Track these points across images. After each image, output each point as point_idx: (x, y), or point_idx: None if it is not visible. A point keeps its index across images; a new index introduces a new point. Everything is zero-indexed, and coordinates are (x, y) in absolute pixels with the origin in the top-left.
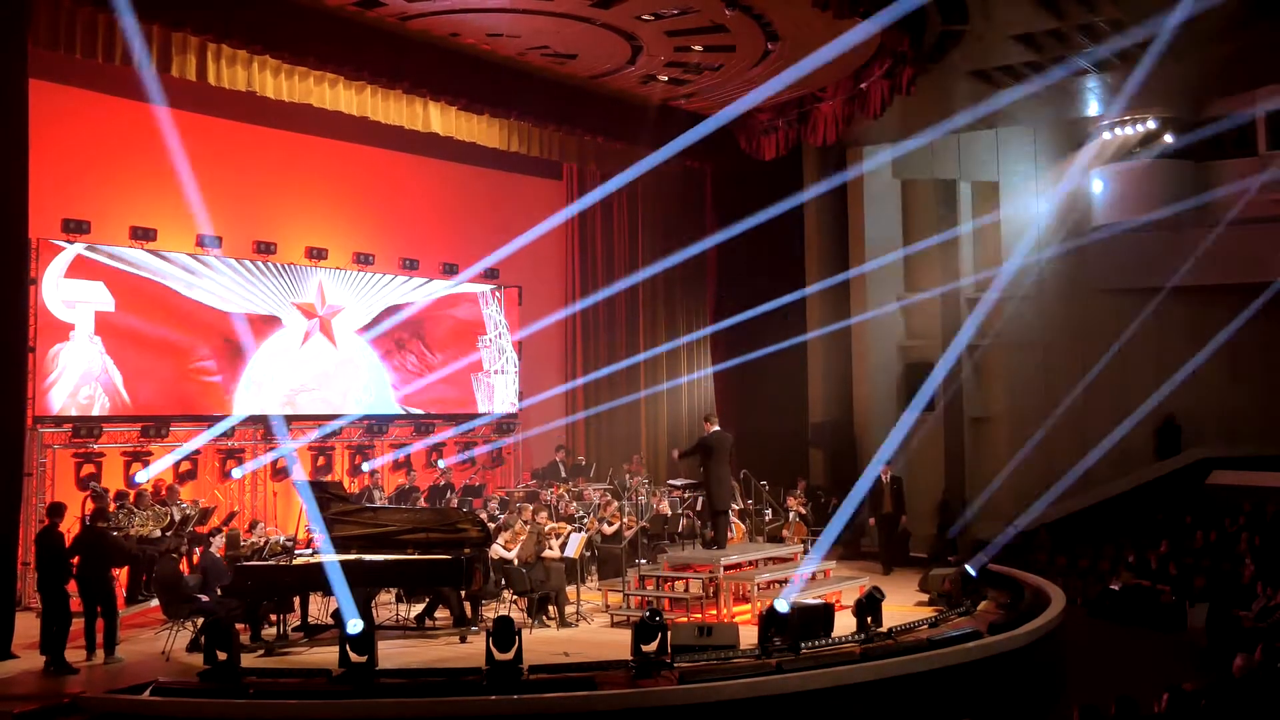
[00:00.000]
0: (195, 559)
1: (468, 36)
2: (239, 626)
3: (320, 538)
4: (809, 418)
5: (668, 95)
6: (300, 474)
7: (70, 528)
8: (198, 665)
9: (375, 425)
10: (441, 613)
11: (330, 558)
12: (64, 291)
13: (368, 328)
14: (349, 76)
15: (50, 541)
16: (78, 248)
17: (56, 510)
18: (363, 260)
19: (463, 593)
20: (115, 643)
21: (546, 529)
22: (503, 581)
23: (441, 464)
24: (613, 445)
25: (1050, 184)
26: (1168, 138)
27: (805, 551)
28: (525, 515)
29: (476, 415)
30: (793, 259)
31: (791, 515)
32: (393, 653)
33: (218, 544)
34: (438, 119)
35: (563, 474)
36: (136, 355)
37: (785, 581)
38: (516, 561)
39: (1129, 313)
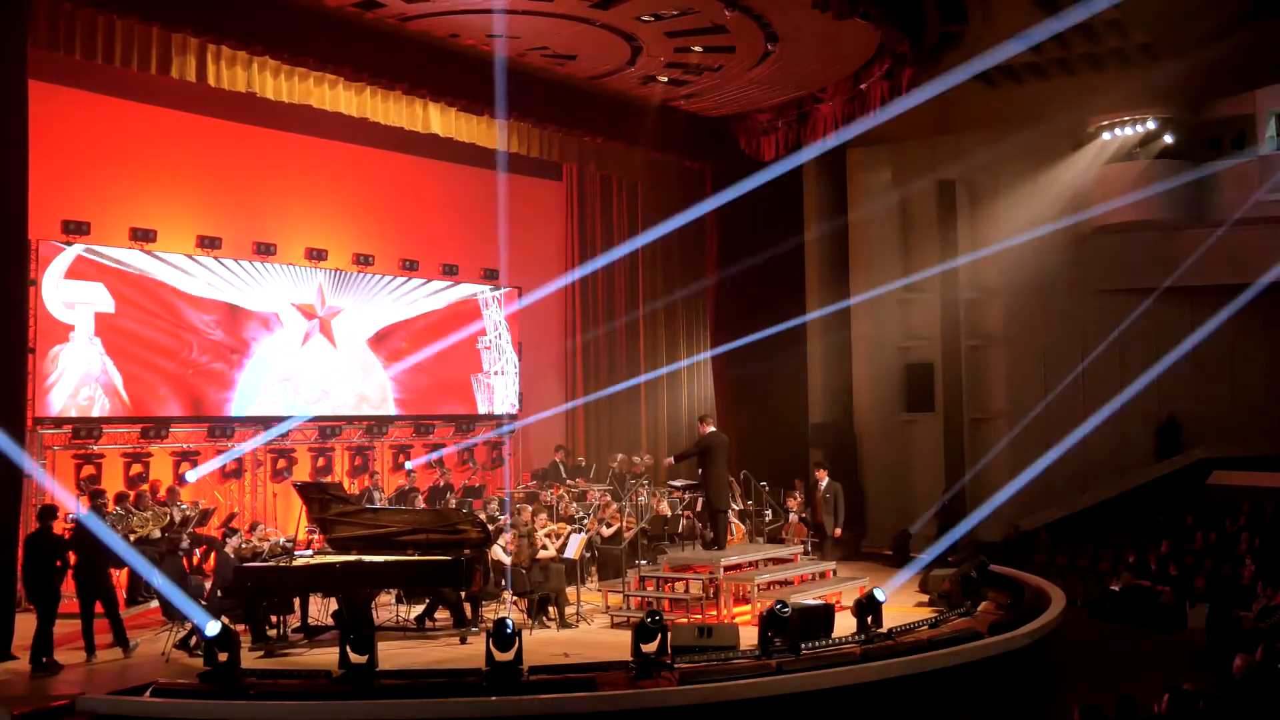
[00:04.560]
0: (196, 558)
1: (467, 37)
2: (240, 628)
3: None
4: (809, 418)
5: (667, 96)
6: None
7: (65, 530)
8: (198, 666)
9: (375, 426)
10: (441, 614)
11: (327, 558)
12: (64, 293)
13: (367, 328)
14: (348, 77)
15: (40, 545)
16: (77, 249)
17: (48, 513)
18: (363, 261)
19: (462, 594)
20: (124, 634)
21: (542, 533)
22: (503, 582)
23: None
24: (613, 446)
25: (1050, 184)
26: (1167, 138)
27: (805, 552)
28: (524, 516)
29: (476, 416)
30: (792, 259)
31: (791, 516)
32: (393, 654)
33: (233, 544)
34: (437, 120)
35: (563, 475)
36: (136, 356)
37: (786, 582)
38: (511, 563)
39: (1128, 313)
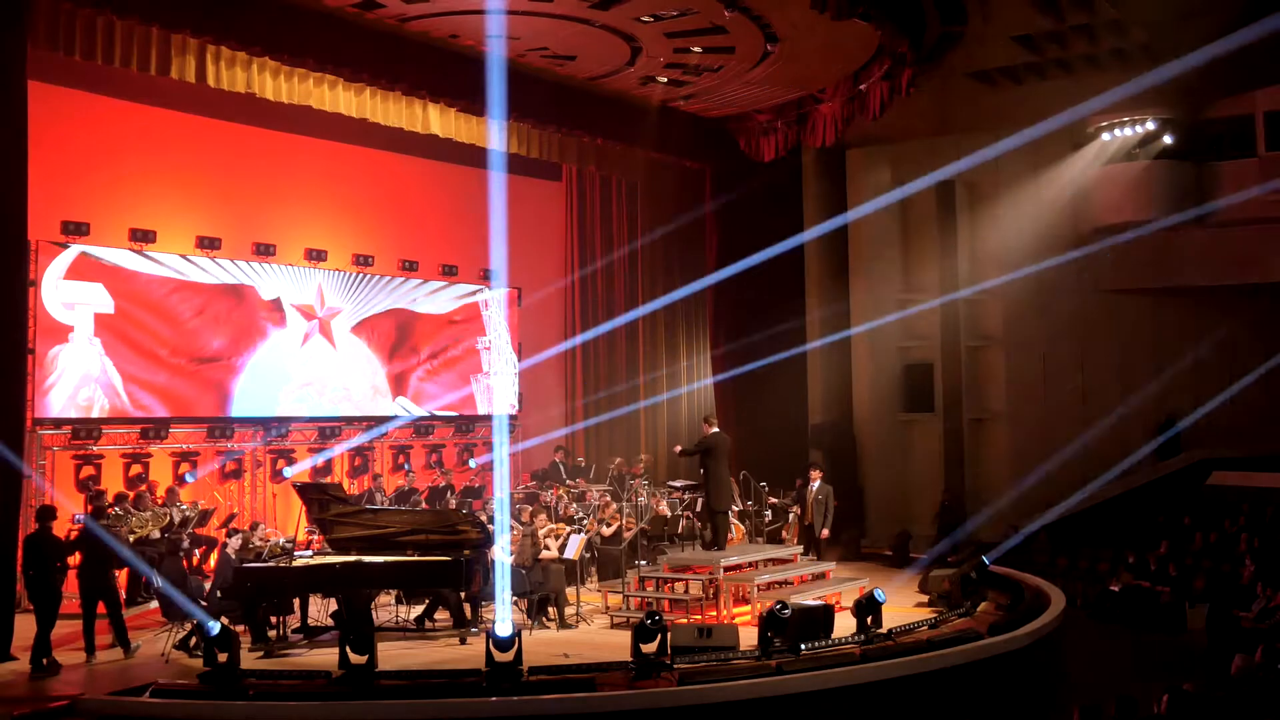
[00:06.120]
0: (196, 559)
1: (467, 37)
2: (240, 629)
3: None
4: (809, 419)
5: (667, 96)
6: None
7: (69, 530)
8: (197, 667)
9: (375, 426)
10: (441, 614)
11: (323, 560)
12: (63, 293)
13: (367, 329)
14: (348, 78)
15: (40, 545)
16: (77, 249)
17: (47, 514)
18: (362, 262)
19: (462, 594)
20: (126, 635)
21: (543, 531)
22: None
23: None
24: (612, 446)
25: (1049, 185)
26: (1167, 138)
27: (804, 552)
28: (524, 517)
29: (476, 417)
30: (792, 260)
31: (790, 516)
32: (393, 654)
33: (233, 544)
34: (437, 120)
35: (563, 475)
36: (136, 357)
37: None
38: (514, 564)
39: (1129, 313)
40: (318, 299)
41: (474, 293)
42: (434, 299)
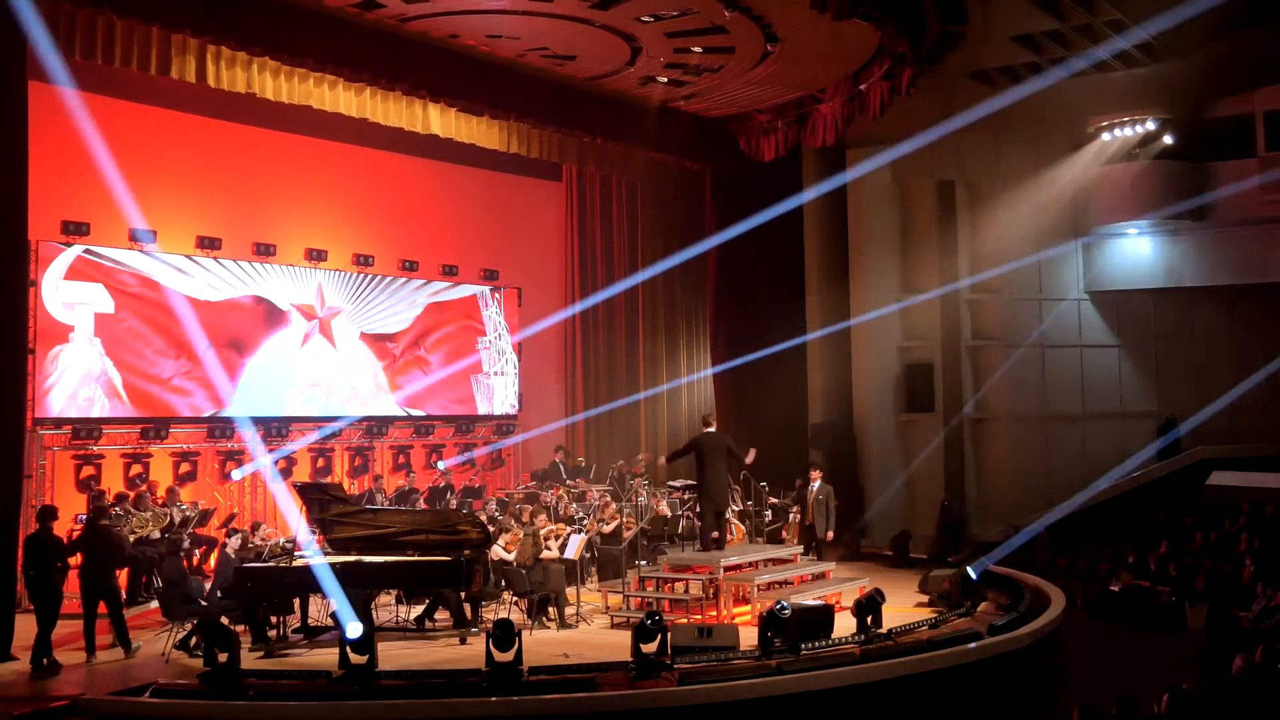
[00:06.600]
0: (196, 559)
1: (467, 38)
2: (240, 628)
3: (309, 540)
4: (808, 418)
5: (667, 96)
6: (278, 482)
7: (71, 530)
8: (198, 667)
9: (375, 427)
10: (441, 614)
11: (321, 560)
12: (63, 293)
13: (367, 329)
14: (348, 78)
15: (40, 545)
16: (77, 250)
17: (48, 514)
18: (362, 262)
19: (462, 594)
20: (127, 635)
21: (544, 531)
22: (503, 583)
23: (441, 465)
24: (613, 446)
25: (1049, 185)
26: (1167, 138)
27: (804, 552)
28: (524, 517)
29: (476, 417)
30: (792, 260)
31: (790, 516)
32: (393, 654)
33: (233, 544)
34: (437, 120)
35: (563, 475)
36: (136, 357)
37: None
38: (515, 563)
39: (1130, 313)
40: (318, 299)
41: (473, 292)
42: (433, 299)
